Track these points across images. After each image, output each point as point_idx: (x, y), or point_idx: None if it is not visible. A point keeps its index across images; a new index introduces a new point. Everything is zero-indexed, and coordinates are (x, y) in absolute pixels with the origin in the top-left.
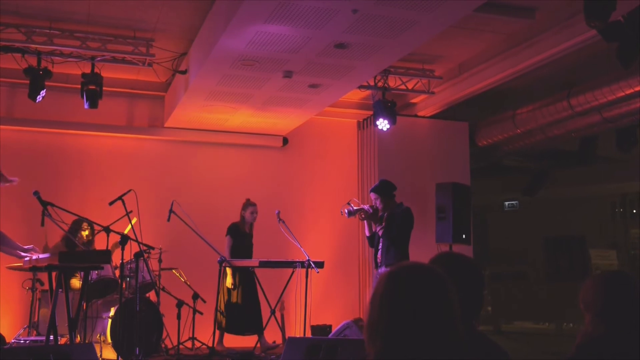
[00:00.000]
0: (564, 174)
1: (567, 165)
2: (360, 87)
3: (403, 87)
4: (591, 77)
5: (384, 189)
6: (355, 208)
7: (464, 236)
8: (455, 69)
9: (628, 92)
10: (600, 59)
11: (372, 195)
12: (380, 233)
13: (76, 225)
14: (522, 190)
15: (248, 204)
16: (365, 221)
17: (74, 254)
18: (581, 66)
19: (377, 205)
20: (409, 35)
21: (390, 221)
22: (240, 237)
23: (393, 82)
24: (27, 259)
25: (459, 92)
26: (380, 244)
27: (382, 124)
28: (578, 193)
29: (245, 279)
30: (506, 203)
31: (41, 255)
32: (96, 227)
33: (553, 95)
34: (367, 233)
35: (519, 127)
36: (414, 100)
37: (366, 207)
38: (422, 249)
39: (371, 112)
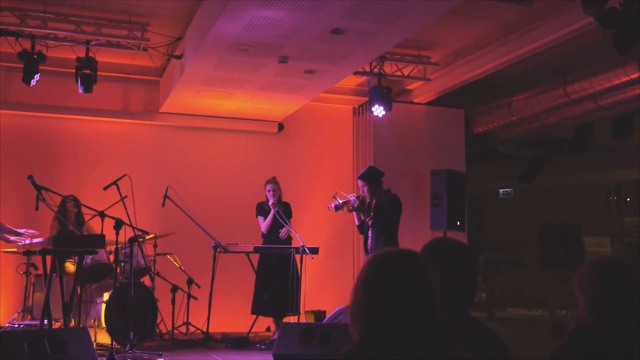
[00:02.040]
0: (559, 162)
1: (563, 153)
2: (356, 73)
3: (399, 73)
4: (587, 65)
5: (371, 176)
6: (341, 201)
7: (458, 223)
8: (451, 55)
9: (624, 79)
10: (596, 46)
11: (360, 183)
12: (369, 223)
13: (64, 203)
14: (518, 177)
15: (266, 182)
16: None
17: (68, 238)
18: (577, 53)
19: (365, 192)
20: (405, 21)
21: (378, 209)
22: (266, 214)
23: (389, 68)
24: (21, 243)
25: (455, 79)
26: (370, 232)
27: (378, 111)
28: (573, 181)
29: (271, 261)
30: (501, 190)
31: (35, 240)
32: (91, 212)
33: (549, 83)
34: (356, 222)
35: (515, 114)
36: (409, 87)
37: (352, 198)
38: (417, 235)
39: (367, 99)
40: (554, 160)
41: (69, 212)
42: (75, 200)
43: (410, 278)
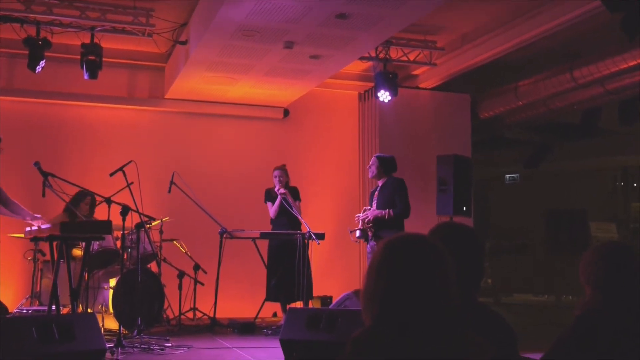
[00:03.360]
0: (565, 147)
1: (569, 138)
2: (362, 58)
3: (405, 58)
4: (594, 49)
5: (388, 163)
6: (360, 228)
7: (464, 208)
8: (457, 40)
9: (631, 64)
10: (603, 30)
11: (373, 159)
12: (374, 206)
13: (80, 197)
14: (524, 162)
15: (274, 168)
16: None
17: (76, 224)
18: (584, 37)
19: (373, 170)
20: (410, 6)
21: (383, 194)
22: (273, 200)
23: (395, 53)
24: (29, 229)
25: (461, 64)
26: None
27: (384, 96)
28: (579, 166)
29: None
30: (507, 176)
31: (42, 225)
32: (97, 198)
33: (556, 67)
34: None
35: (521, 99)
36: (415, 72)
37: (362, 216)
38: (423, 221)
39: (372, 84)
40: (560, 146)
41: (81, 208)
42: (92, 201)
43: (424, 263)
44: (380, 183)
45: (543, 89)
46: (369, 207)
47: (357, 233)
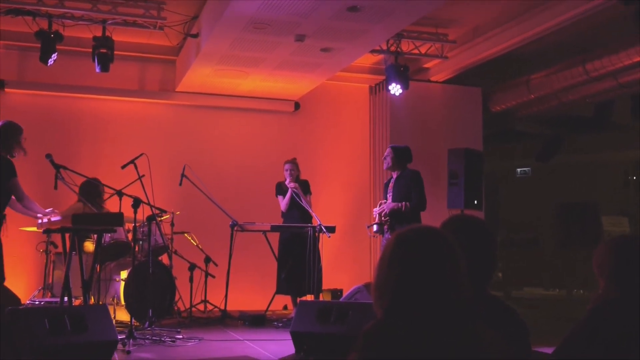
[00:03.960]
0: (577, 140)
1: (581, 132)
2: (373, 51)
3: (416, 51)
4: (607, 42)
5: (403, 154)
6: (377, 222)
7: (475, 202)
8: (469, 33)
9: None
10: (616, 22)
11: (387, 150)
12: (389, 198)
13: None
14: (535, 156)
15: (284, 162)
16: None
17: (88, 216)
18: (597, 31)
19: (389, 162)
20: None
21: (398, 186)
22: (284, 193)
23: (406, 46)
24: (41, 222)
25: (473, 57)
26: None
27: (395, 89)
28: (591, 159)
29: (288, 240)
30: (518, 169)
31: (53, 218)
32: (109, 191)
33: (568, 60)
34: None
35: (533, 92)
36: (427, 65)
37: (378, 210)
38: (434, 214)
39: (383, 77)
40: (572, 139)
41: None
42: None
43: (435, 254)
44: (394, 175)
45: (555, 82)
46: (384, 201)
47: (375, 228)
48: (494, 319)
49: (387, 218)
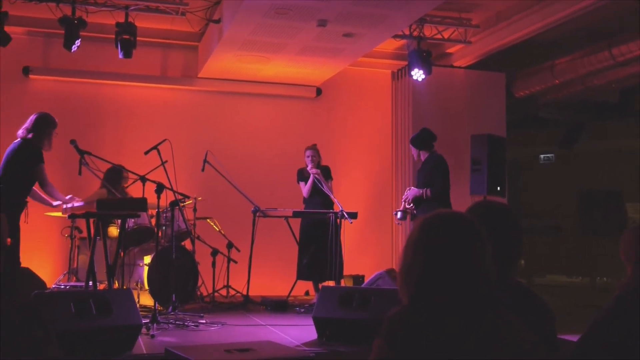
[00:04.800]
0: (602, 126)
1: (606, 118)
2: (395, 36)
3: (439, 36)
4: (634, 26)
5: (420, 139)
6: (400, 212)
7: (498, 188)
8: (492, 17)
9: None
10: None
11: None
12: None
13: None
14: (559, 142)
15: (305, 148)
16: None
17: (112, 201)
18: (623, 14)
19: (413, 154)
20: None
21: (423, 172)
22: (306, 180)
23: (429, 31)
24: (65, 207)
25: (496, 42)
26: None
27: (417, 75)
28: (615, 146)
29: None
30: (542, 156)
31: (76, 204)
32: (132, 177)
33: (594, 45)
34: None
35: (558, 77)
36: (450, 50)
37: (404, 197)
38: (456, 200)
39: (406, 63)
40: (596, 125)
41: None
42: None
43: (461, 240)
44: (422, 159)
45: (580, 66)
46: (410, 188)
47: (399, 214)
48: (520, 306)
49: (412, 205)
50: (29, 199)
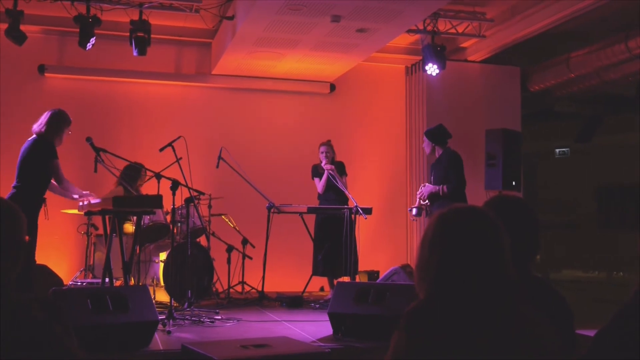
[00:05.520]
0: (618, 120)
1: (622, 111)
2: (409, 31)
3: (453, 30)
4: None
5: (436, 134)
6: (415, 208)
7: (513, 183)
8: (507, 11)
9: None
10: None
11: (423, 138)
12: (432, 180)
13: (135, 173)
14: (575, 136)
15: (320, 144)
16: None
17: (128, 198)
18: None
19: (426, 148)
20: None
21: (438, 168)
22: (320, 176)
23: (443, 25)
24: (81, 204)
25: (511, 36)
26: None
27: (431, 69)
28: (632, 140)
29: (325, 222)
30: (557, 150)
31: (92, 201)
32: (148, 173)
33: (609, 38)
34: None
35: (573, 71)
36: (464, 45)
37: (418, 194)
38: (471, 195)
39: (420, 57)
40: (612, 119)
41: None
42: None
43: (478, 234)
44: (437, 155)
45: (596, 60)
46: (425, 184)
47: (414, 211)
48: (538, 300)
49: (427, 202)
50: (50, 193)
